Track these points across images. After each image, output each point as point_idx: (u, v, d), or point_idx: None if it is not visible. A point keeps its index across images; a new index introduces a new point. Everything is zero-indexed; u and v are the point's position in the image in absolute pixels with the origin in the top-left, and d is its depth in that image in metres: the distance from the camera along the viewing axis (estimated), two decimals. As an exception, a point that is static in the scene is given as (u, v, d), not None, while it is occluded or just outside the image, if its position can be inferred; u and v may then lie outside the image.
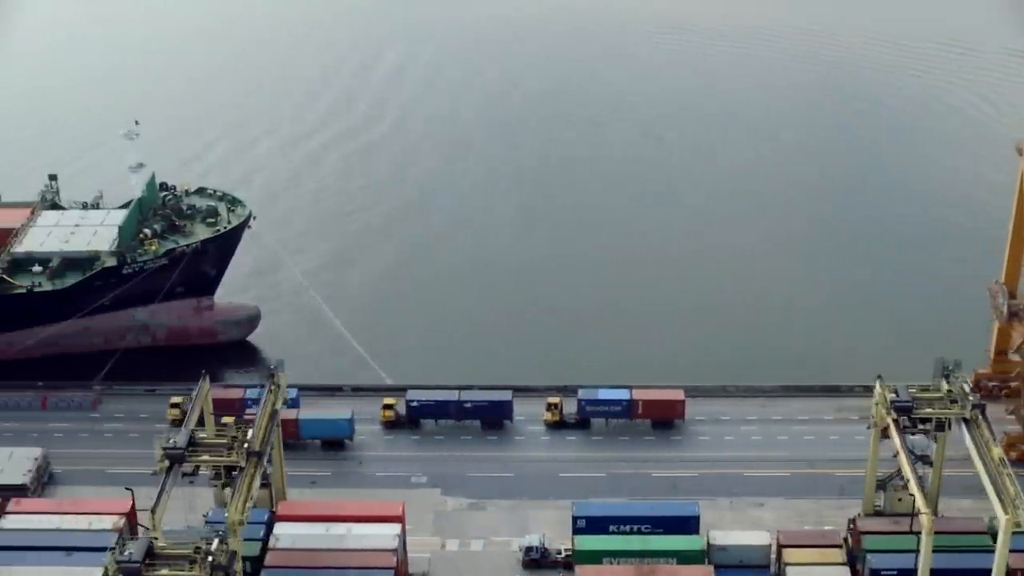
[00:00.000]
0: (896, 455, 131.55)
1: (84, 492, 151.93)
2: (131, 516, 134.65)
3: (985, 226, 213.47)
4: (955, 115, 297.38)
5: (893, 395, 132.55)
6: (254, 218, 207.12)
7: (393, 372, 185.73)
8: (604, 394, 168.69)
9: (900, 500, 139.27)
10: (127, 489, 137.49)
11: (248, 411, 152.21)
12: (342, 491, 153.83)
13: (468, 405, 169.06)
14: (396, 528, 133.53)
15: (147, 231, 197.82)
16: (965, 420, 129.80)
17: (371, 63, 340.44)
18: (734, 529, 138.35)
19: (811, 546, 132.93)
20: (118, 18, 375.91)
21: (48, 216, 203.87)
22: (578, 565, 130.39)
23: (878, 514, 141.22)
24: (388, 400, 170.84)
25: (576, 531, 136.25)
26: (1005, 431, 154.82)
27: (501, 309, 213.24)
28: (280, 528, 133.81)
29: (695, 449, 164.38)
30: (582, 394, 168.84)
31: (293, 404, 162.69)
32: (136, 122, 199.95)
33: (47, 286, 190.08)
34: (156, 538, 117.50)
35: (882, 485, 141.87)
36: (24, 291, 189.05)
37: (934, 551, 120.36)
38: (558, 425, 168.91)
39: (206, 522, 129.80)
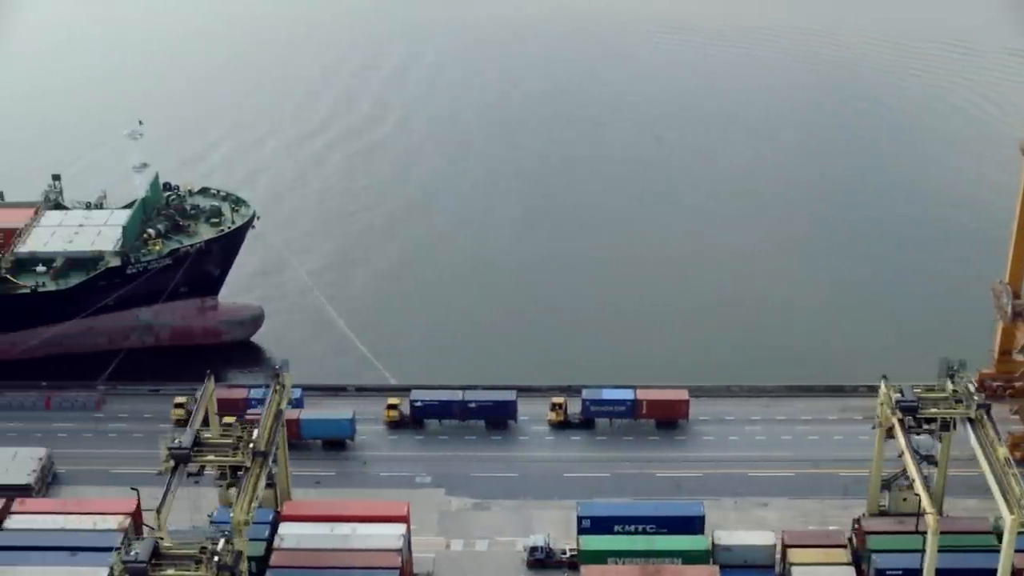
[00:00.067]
0: (901, 455, 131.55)
1: (88, 492, 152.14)
2: (136, 516, 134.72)
3: (989, 226, 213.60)
4: (958, 115, 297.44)
5: (898, 395, 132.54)
6: (258, 218, 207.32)
7: (397, 372, 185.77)
8: (608, 394, 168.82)
9: (905, 500, 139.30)
10: (133, 489, 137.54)
11: (250, 411, 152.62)
12: (346, 491, 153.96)
13: (472, 405, 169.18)
14: (401, 528, 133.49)
15: (151, 231, 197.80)
16: (970, 420, 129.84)
17: (373, 63, 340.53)
18: (739, 529, 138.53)
19: (816, 546, 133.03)
20: (120, 18, 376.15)
21: (52, 216, 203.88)
22: (583, 565, 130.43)
23: (883, 514, 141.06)
24: (392, 400, 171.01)
25: (581, 531, 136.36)
26: (1009, 431, 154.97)
27: (505, 309, 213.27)
28: (285, 528, 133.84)
29: (699, 449, 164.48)
30: (586, 394, 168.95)
31: (297, 404, 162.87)
32: (140, 122, 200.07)
33: (51, 286, 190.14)
34: (162, 538, 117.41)
35: (887, 485, 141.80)
36: (28, 291, 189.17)
37: (939, 551, 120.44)
38: (562, 425, 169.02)
39: (211, 522, 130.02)
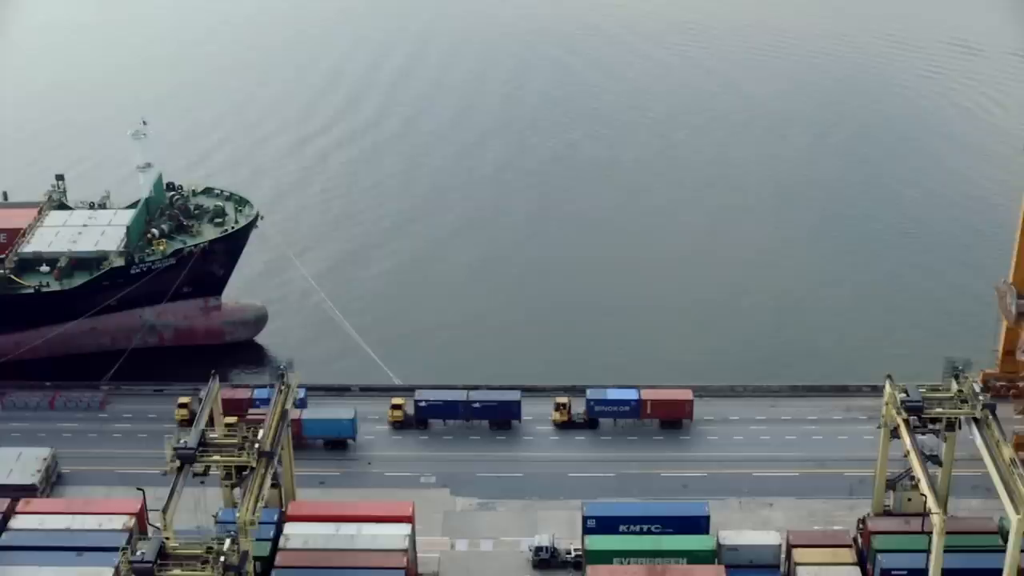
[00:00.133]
0: (906, 455, 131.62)
1: (92, 492, 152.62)
2: (141, 516, 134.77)
3: (993, 226, 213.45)
4: (963, 116, 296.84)
5: (903, 395, 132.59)
6: (261, 218, 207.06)
7: (401, 372, 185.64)
8: (612, 394, 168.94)
9: (910, 500, 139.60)
10: (139, 489, 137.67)
11: (253, 411, 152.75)
12: (351, 491, 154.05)
13: (477, 405, 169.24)
14: (406, 528, 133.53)
15: (155, 231, 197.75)
16: (975, 420, 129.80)
17: (379, 63, 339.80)
18: (744, 529, 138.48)
19: (821, 546, 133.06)
20: (124, 18, 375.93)
21: (55, 216, 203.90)
22: (589, 565, 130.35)
23: (888, 514, 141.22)
24: (396, 400, 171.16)
25: (586, 531, 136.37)
26: (1014, 431, 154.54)
27: (509, 309, 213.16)
28: (290, 528, 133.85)
29: (704, 449, 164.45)
30: (590, 394, 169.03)
31: (301, 404, 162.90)
32: (144, 122, 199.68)
33: (55, 286, 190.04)
34: (168, 538, 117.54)
35: (892, 485, 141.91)
36: (32, 291, 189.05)
37: (944, 551, 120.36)
38: (567, 425, 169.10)
39: (217, 522, 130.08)
